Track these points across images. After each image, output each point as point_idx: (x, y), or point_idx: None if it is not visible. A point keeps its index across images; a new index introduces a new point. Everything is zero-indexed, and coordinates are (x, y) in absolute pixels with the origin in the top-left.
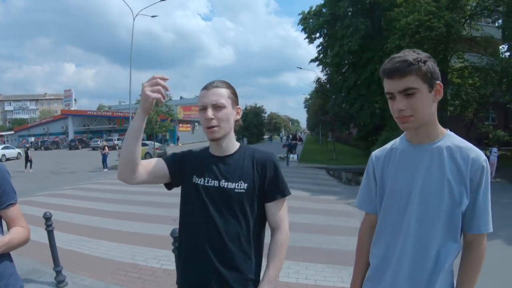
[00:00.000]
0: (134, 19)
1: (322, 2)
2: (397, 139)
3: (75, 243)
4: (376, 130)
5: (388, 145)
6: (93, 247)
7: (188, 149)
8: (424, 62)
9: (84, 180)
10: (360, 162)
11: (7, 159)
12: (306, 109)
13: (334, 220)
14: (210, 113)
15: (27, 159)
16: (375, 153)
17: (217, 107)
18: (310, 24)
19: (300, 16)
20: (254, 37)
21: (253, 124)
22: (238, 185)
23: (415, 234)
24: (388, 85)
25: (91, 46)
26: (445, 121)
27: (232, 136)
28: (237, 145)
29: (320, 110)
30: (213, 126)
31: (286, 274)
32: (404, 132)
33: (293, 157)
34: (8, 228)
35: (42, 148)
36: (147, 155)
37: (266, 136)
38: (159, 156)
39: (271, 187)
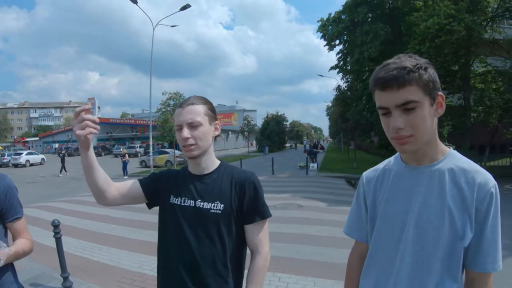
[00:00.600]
0: (153, 29)
1: (341, 8)
2: (391, 159)
3: (87, 250)
4: None
5: (381, 165)
6: (103, 254)
7: (168, 168)
8: (425, 69)
9: None
10: None
11: (31, 165)
12: (328, 116)
13: None
14: (186, 132)
15: (63, 164)
16: (367, 174)
17: (193, 126)
18: (330, 31)
19: (320, 23)
20: (275, 45)
21: (275, 132)
22: (214, 206)
23: (409, 271)
24: (382, 98)
25: (114, 55)
26: (468, 128)
27: (211, 153)
28: (217, 163)
29: (340, 118)
30: (190, 145)
31: None
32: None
33: (313, 166)
34: (14, 240)
35: (66, 155)
36: (167, 163)
37: (288, 144)
38: (179, 164)
39: (250, 208)
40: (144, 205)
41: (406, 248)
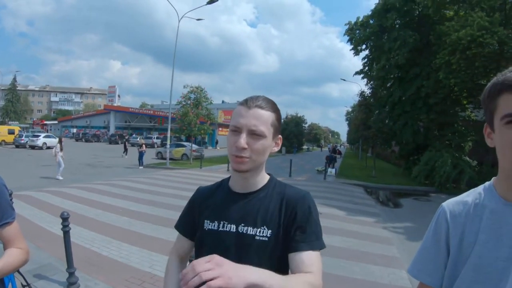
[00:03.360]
0: (179, 20)
1: (370, 13)
2: (480, 191)
3: (96, 243)
4: (419, 149)
5: (467, 198)
6: (113, 249)
7: (199, 187)
8: None
9: (118, 175)
10: (400, 181)
11: (48, 147)
12: (347, 122)
13: (369, 246)
14: (243, 140)
15: (125, 148)
16: (450, 207)
17: (255, 134)
18: (357, 35)
19: (347, 27)
20: (298, 45)
21: (293, 134)
22: (260, 231)
23: None
24: None
25: (137, 45)
26: None
27: (262, 169)
28: (266, 179)
29: (362, 125)
30: (243, 157)
31: None
32: (492, 181)
33: (331, 171)
34: (4, 249)
35: (83, 140)
36: (183, 157)
37: (305, 147)
38: (195, 158)
39: (298, 234)
40: (159, 199)
41: None
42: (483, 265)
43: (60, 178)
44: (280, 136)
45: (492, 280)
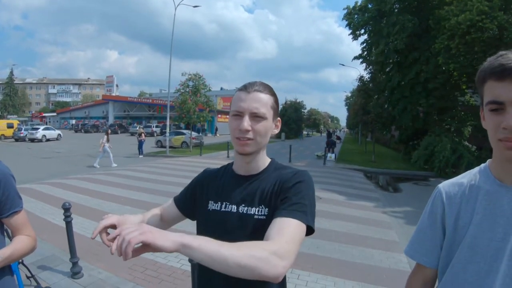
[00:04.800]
0: (175, 8)
1: None
2: (475, 172)
3: None
4: (418, 134)
5: (463, 179)
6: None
7: (206, 168)
8: None
9: (118, 165)
10: (399, 166)
11: (48, 140)
12: (346, 107)
13: (369, 230)
14: (247, 123)
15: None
16: (446, 188)
17: (257, 117)
18: (355, 19)
19: (345, 11)
20: (296, 31)
21: (292, 119)
22: (258, 210)
23: None
24: (497, 91)
25: (134, 34)
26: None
27: (264, 153)
28: (267, 162)
29: (361, 110)
30: (247, 139)
31: None
32: (487, 164)
33: (331, 156)
34: (12, 237)
35: (82, 131)
36: (183, 144)
37: (305, 132)
38: (195, 145)
39: (281, 203)
40: (159, 187)
41: (495, 282)
42: (478, 245)
43: (114, 164)
44: (279, 118)
45: (487, 260)
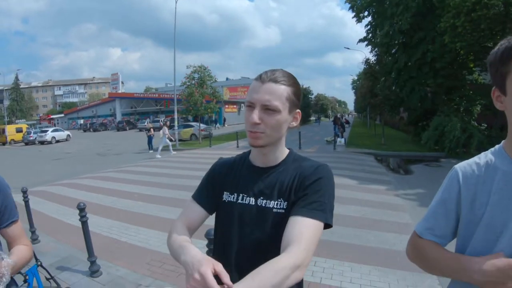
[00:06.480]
0: (176, 1)
1: None
2: (491, 153)
3: (114, 230)
4: (427, 115)
5: (479, 160)
6: (131, 235)
7: (220, 158)
8: None
9: (128, 162)
10: (409, 148)
11: (57, 141)
12: (353, 90)
13: (383, 214)
14: (256, 115)
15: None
16: (462, 168)
17: (269, 109)
18: (358, 2)
19: None
20: (298, 17)
21: (300, 106)
22: (277, 204)
23: None
24: None
25: (136, 30)
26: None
27: (282, 144)
28: (285, 153)
29: (369, 93)
30: (257, 132)
31: (329, 275)
32: (502, 145)
33: (341, 140)
34: (9, 247)
35: (91, 130)
36: (192, 137)
37: (312, 118)
38: (204, 137)
39: (301, 201)
40: (173, 181)
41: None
42: (496, 225)
43: (159, 156)
44: (298, 110)
45: (505, 240)
